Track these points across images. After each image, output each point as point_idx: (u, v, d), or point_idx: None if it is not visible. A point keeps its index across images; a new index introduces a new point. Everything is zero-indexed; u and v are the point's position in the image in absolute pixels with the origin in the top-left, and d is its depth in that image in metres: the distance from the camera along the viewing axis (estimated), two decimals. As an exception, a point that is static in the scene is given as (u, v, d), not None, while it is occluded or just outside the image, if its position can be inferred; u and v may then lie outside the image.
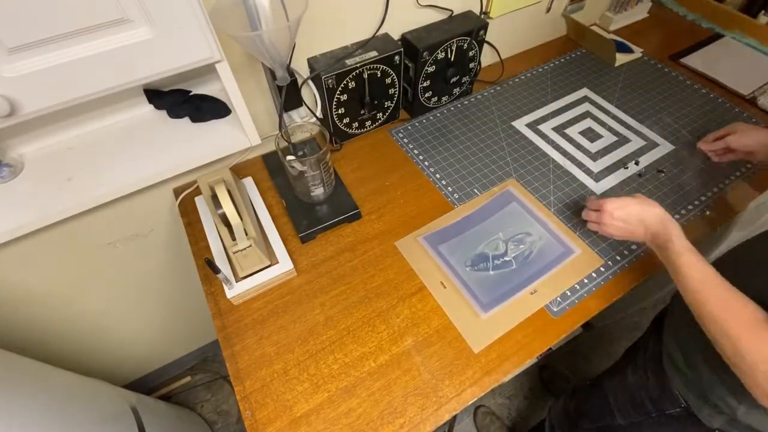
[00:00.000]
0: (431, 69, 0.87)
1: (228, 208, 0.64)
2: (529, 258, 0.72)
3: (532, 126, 0.95)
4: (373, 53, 0.79)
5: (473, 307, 0.66)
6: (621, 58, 1.09)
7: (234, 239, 0.65)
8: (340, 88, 0.80)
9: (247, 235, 0.65)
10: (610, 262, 0.72)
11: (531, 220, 0.77)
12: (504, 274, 0.70)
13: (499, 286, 0.69)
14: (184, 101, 0.75)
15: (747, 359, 0.43)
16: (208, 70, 0.73)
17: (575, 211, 0.79)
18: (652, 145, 0.90)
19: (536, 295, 0.68)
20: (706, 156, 0.85)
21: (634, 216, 0.63)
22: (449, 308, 0.66)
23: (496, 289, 0.68)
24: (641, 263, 0.72)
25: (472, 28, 0.85)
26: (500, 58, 1.07)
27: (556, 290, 0.69)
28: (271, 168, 0.86)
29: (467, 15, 0.89)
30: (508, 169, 0.86)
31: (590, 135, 0.93)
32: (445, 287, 0.68)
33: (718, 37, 1.15)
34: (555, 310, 0.67)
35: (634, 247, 0.74)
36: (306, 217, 0.76)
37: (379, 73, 0.82)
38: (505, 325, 0.65)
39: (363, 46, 0.81)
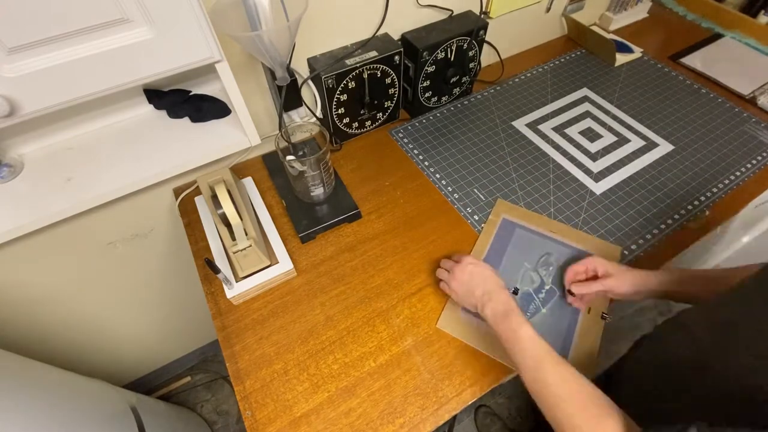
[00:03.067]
0: (431, 69, 0.87)
1: (228, 208, 0.64)
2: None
3: (532, 126, 0.95)
4: (373, 53, 0.79)
5: None
6: (621, 58, 1.08)
7: (234, 239, 0.65)
8: (340, 88, 0.80)
9: (247, 235, 0.65)
10: (610, 262, 0.72)
11: (543, 240, 0.74)
12: (554, 306, 0.66)
13: (558, 322, 0.64)
14: (184, 101, 0.75)
15: None
16: (208, 70, 0.73)
17: (574, 211, 0.79)
18: (652, 145, 0.90)
19: (593, 311, 0.65)
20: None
21: (480, 276, 0.59)
22: None
23: (559, 327, 0.64)
24: (640, 263, 0.72)
25: (472, 28, 0.85)
26: (500, 58, 1.07)
27: (604, 298, 0.66)
28: (271, 168, 0.86)
29: (467, 15, 0.89)
30: (507, 169, 0.86)
31: (590, 135, 0.93)
32: None
33: (718, 37, 1.15)
34: (555, 310, 0.67)
35: (633, 247, 0.74)
36: (306, 217, 0.76)
37: (379, 73, 0.82)
38: (589, 363, 0.60)
39: (363, 46, 0.81)
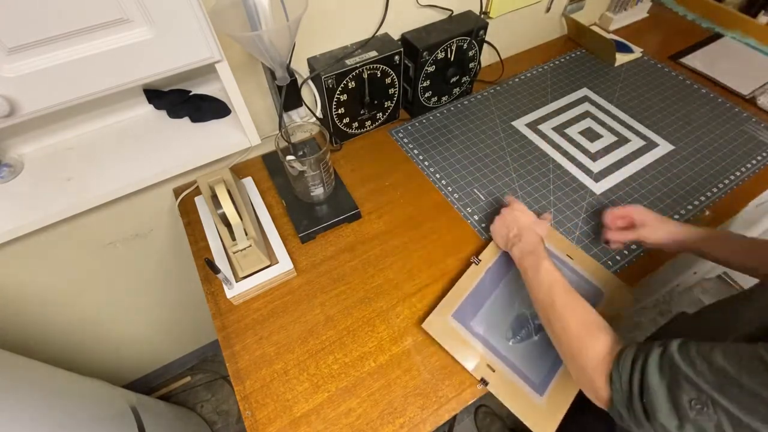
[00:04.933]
0: (431, 69, 0.87)
1: (228, 208, 0.64)
2: None
3: (532, 126, 0.95)
4: (373, 53, 0.79)
5: (527, 394, 0.59)
6: (621, 58, 1.09)
7: (234, 239, 0.65)
8: (340, 88, 0.80)
9: (246, 235, 0.65)
10: (609, 262, 0.72)
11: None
12: (546, 337, 0.62)
13: (546, 352, 0.62)
14: (183, 101, 0.75)
15: (582, 353, 0.48)
16: (208, 70, 0.73)
17: (574, 211, 0.79)
18: (652, 145, 0.90)
19: None
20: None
21: (520, 221, 0.66)
22: (504, 396, 0.58)
23: (545, 358, 0.61)
24: (641, 262, 0.72)
25: (472, 28, 0.85)
26: (500, 58, 1.07)
27: (623, 297, 0.64)
28: (271, 168, 0.86)
29: (467, 15, 0.90)
30: (507, 169, 0.86)
31: (590, 135, 0.93)
32: (493, 371, 0.60)
33: (718, 37, 1.15)
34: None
35: (633, 247, 0.74)
36: (306, 217, 0.76)
37: (379, 73, 0.82)
38: (564, 401, 0.58)
39: (363, 46, 0.81)
